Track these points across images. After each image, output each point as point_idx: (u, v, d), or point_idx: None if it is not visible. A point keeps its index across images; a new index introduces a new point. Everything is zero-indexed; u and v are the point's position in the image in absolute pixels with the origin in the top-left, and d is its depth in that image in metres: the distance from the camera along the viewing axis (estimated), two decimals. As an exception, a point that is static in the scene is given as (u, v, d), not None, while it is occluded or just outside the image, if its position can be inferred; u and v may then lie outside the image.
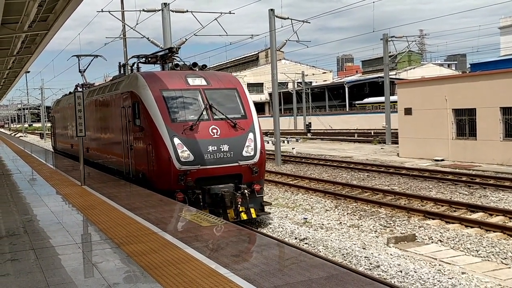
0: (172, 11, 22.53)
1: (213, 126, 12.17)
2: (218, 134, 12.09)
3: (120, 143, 14.63)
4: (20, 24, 14.39)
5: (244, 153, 12.19)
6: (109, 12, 23.26)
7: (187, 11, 23.39)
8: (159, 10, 22.49)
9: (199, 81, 12.97)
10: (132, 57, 15.92)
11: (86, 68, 24.05)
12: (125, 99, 13.80)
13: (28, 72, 35.94)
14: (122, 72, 17.22)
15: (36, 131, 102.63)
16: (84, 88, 22.57)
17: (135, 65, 15.56)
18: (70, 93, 24.66)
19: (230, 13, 24.22)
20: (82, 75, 24.03)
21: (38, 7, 12.62)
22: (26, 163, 21.22)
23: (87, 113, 18.77)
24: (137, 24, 23.96)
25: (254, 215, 12.32)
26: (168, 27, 22.04)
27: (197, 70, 13.84)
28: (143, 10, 22.89)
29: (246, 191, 12.01)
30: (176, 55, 14.75)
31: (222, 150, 11.94)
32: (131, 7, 47.84)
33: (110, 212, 9.47)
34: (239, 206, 11.85)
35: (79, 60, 23.77)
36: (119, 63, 17.15)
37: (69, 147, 24.07)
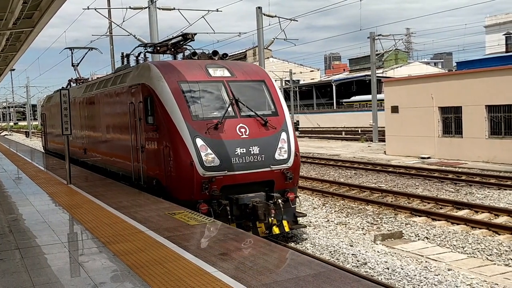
0: (159, 8, 22.42)
1: (241, 125, 10.56)
2: (246, 133, 10.50)
3: (127, 144, 12.81)
4: (5, 21, 14.20)
5: (277, 156, 10.62)
6: (95, 9, 23.10)
7: (174, 8, 23.29)
8: (146, 7, 22.36)
9: (222, 72, 11.35)
10: (139, 45, 14.27)
11: (80, 62, 23.22)
12: (135, 93, 12.08)
13: (13, 70, 35.60)
14: (126, 63, 15.20)
15: (21, 130, 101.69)
16: (78, 83, 21.71)
17: (142, 55, 13.88)
18: (62, 88, 23.59)
19: (217, 10, 24.18)
20: (75, 69, 23.19)
21: (23, 4, 12.47)
22: (11, 162, 21.01)
23: (85, 110, 17.37)
24: (123, 21, 23.83)
25: (287, 229, 10.72)
26: (155, 24, 21.92)
27: (217, 59, 12.20)
28: (130, 8, 22.76)
29: (279, 200, 10.42)
30: (189, 43, 12.85)
31: (252, 152, 10.35)
32: (118, 4, 47.62)
33: (96, 211, 9.40)
34: (272, 218, 10.26)
35: (72, 53, 22.94)
36: (122, 53, 15.31)
37: (62, 147, 22.64)
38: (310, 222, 13.16)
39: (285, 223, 10.62)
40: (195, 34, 12.46)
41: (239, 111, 10.78)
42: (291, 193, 10.87)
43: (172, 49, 13.17)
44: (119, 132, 13.63)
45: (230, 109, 10.69)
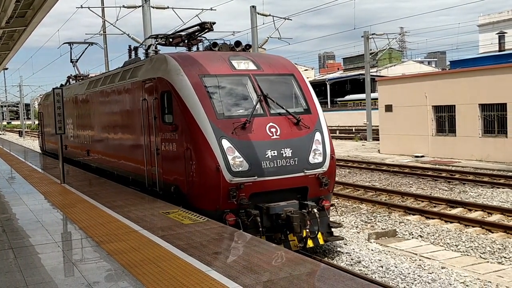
0: (153, 7, 22.37)
1: (271, 124, 9.43)
2: (277, 134, 9.38)
3: (139, 145, 11.63)
4: (-3, 20, 14.14)
5: (311, 159, 9.52)
6: (88, 8, 23.03)
7: (167, 7, 23.25)
8: (140, 6, 22.30)
9: (247, 65, 10.26)
10: (149, 37, 12.96)
11: (79, 58, 22.61)
12: (149, 89, 10.91)
13: (6, 69, 35.44)
14: (135, 56, 13.98)
15: (15, 129, 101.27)
16: (78, 80, 21.05)
17: (152, 48, 12.71)
18: (61, 85, 22.34)
19: (211, 9, 24.18)
20: (74, 66, 22.46)
21: (16, 3, 12.41)
22: (4, 161, 20.91)
23: (88, 108, 16.33)
24: (117, 20, 23.81)
25: (321, 241, 9.61)
26: (149, 23, 21.86)
27: (239, 50, 11.06)
28: (123, 7, 22.69)
29: (315, 210, 9.21)
30: (204, 34, 11.66)
31: (284, 155, 9.25)
32: (111, 3, 47.51)
33: (90, 211, 9.37)
34: (307, 230, 9.13)
35: (71, 48, 22.27)
36: (129, 46, 14.15)
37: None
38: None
39: (319, 235, 9.54)
40: (213, 23, 11.23)
41: (268, 108, 9.67)
42: (326, 201, 9.77)
43: (186, 41, 11.99)
44: (130, 132, 12.45)
45: (258, 106, 9.58)
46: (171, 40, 12.32)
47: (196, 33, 11.69)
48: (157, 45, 12.63)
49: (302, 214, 8.97)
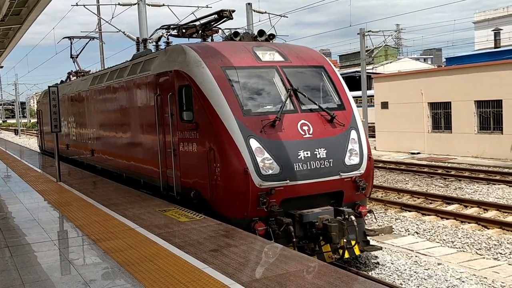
0: (148, 5, 22.30)
1: (302, 121, 8.54)
2: (310, 132, 8.48)
3: (153, 145, 10.70)
4: (-8, 18, 14.09)
5: (347, 161, 8.62)
6: (84, 6, 22.92)
7: (163, 5, 23.18)
8: (135, 4, 22.23)
9: (273, 56, 9.33)
10: (160, 27, 12.24)
11: (80, 53, 22.03)
12: (164, 83, 9.95)
13: (1, 67, 35.26)
14: (143, 49, 13.03)
15: (10, 127, 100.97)
16: (78, 76, 20.44)
17: (163, 39, 11.75)
18: (61, 82, 22.01)
19: (207, 7, 24.11)
20: (74, 61, 21.88)
21: (10, 1, 12.37)
22: (0, 160, 20.85)
23: (92, 105, 15.56)
24: (112, 18, 23.72)
25: (357, 252, 8.70)
26: (144, 21, 21.79)
27: (262, 41, 10.15)
28: (119, 4, 22.61)
29: (352, 217, 8.31)
30: (221, 23, 10.83)
31: (318, 156, 8.34)
32: (106, 1, 47.34)
33: (86, 209, 9.36)
34: (344, 239, 8.26)
35: (71, 42, 21.69)
36: (137, 38, 13.06)
37: (63, 147, 19.19)
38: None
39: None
40: (233, 11, 10.27)
41: (299, 104, 8.75)
42: (363, 207, 8.90)
43: (201, 31, 11.09)
44: (141, 131, 11.51)
45: (288, 101, 8.67)
46: (184, 30, 11.35)
47: (213, 23, 10.79)
48: (169, 37, 11.76)
49: (340, 222, 8.02)
